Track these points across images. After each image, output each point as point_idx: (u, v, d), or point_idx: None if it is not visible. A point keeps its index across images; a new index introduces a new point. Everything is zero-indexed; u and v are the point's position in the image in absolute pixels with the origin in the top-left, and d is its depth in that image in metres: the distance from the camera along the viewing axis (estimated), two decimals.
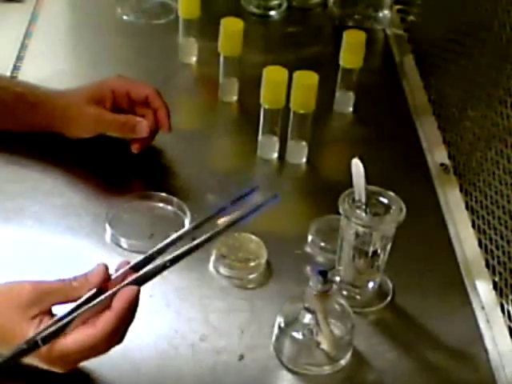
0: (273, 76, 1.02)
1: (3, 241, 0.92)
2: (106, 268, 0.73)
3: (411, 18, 1.41)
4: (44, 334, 0.70)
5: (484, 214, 0.96)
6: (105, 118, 1.01)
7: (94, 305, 0.71)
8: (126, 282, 0.72)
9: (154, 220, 0.96)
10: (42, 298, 0.72)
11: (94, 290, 0.72)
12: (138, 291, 0.72)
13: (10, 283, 0.74)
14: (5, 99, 1.02)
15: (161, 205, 0.98)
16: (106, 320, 0.71)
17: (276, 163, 1.08)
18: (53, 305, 0.73)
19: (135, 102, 1.03)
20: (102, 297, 0.72)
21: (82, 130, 1.02)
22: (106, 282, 0.73)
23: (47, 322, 0.71)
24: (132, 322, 0.73)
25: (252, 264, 0.90)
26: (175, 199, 0.97)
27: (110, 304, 0.71)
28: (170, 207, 0.97)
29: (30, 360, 0.71)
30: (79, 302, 0.72)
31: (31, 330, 0.70)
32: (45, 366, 0.72)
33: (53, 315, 0.72)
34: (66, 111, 1.01)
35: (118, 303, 0.71)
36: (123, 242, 0.92)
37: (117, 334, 0.71)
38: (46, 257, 0.90)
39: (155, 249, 0.76)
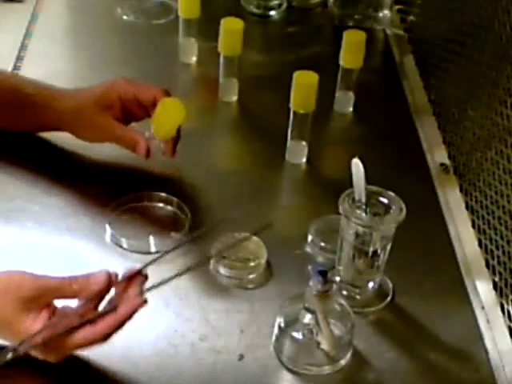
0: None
1: (3, 241, 0.92)
2: (110, 276, 0.73)
3: (411, 18, 1.41)
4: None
5: (484, 214, 0.96)
6: (112, 131, 0.99)
7: (99, 313, 0.72)
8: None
9: (153, 220, 0.96)
10: (41, 294, 0.72)
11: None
12: (146, 302, 0.73)
13: (10, 273, 0.74)
14: (15, 98, 1.01)
15: (161, 205, 0.98)
16: (108, 323, 0.71)
17: (278, 164, 1.08)
18: (50, 301, 0.73)
19: (146, 105, 1.00)
20: (107, 304, 0.72)
21: (90, 137, 1.01)
22: (106, 291, 0.73)
23: (44, 315, 0.72)
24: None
25: (252, 264, 0.90)
26: (175, 199, 0.97)
27: (115, 305, 0.72)
28: (169, 207, 0.97)
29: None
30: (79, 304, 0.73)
31: (28, 322, 0.71)
32: (39, 356, 0.73)
33: (51, 307, 0.73)
34: (75, 116, 1.00)
35: (124, 310, 0.72)
36: (123, 242, 0.92)
37: (112, 334, 0.72)
38: (46, 257, 0.90)
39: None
